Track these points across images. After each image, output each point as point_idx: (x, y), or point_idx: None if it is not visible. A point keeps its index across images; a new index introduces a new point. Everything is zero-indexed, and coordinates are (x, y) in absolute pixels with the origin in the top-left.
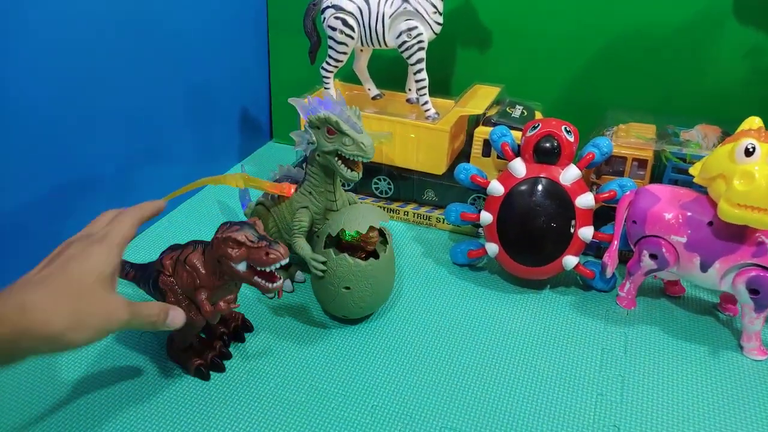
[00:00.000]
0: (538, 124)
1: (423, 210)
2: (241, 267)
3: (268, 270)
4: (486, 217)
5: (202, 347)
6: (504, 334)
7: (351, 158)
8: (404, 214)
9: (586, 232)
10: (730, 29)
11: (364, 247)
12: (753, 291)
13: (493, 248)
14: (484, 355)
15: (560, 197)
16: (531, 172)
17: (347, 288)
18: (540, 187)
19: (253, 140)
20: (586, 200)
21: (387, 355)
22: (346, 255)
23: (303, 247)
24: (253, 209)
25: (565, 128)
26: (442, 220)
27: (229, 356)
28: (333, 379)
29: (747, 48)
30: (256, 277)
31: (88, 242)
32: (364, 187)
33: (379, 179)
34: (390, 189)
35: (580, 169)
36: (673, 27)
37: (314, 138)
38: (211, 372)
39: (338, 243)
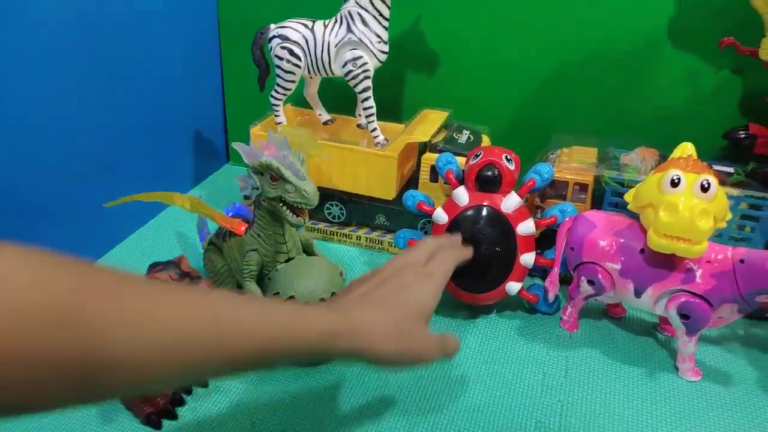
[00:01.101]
0: (480, 153)
1: (375, 234)
2: None
3: None
4: None
5: (154, 394)
6: (451, 362)
7: (294, 205)
8: (357, 239)
9: (528, 259)
10: (668, 55)
11: None
12: (683, 316)
13: None
14: (431, 385)
15: (502, 225)
16: (474, 200)
17: None
18: (482, 216)
19: (209, 163)
20: (527, 227)
21: (336, 395)
22: (295, 300)
23: (253, 292)
24: (206, 245)
25: (506, 156)
26: (394, 245)
27: (182, 403)
28: (285, 420)
29: (684, 73)
30: None
31: (422, 274)
32: (316, 213)
33: (332, 204)
34: (342, 214)
35: (521, 195)
36: (615, 53)
37: (258, 183)
38: (163, 420)
39: None
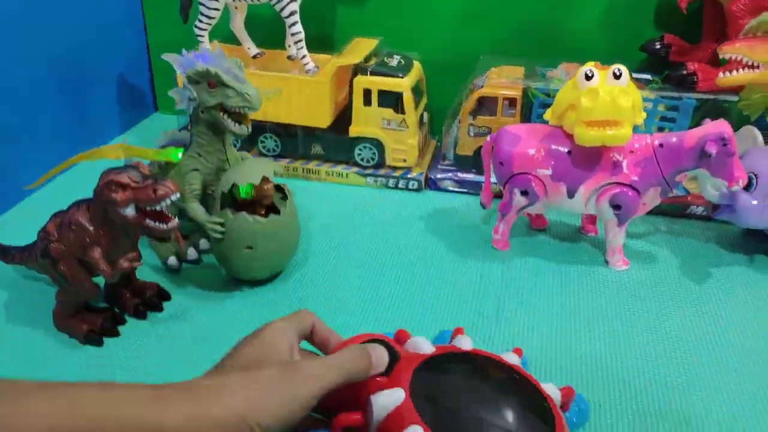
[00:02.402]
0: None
1: (312, 164)
2: (130, 211)
3: (158, 209)
4: None
5: (92, 313)
6: (400, 261)
7: (237, 111)
8: (293, 171)
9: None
10: None
11: (262, 201)
12: (615, 207)
13: None
14: (383, 287)
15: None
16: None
17: (249, 248)
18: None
19: (135, 113)
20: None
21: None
22: (244, 213)
23: (196, 210)
24: None
25: None
26: (332, 174)
27: (122, 321)
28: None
29: None
30: (147, 220)
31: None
32: (250, 146)
33: (265, 137)
34: (277, 146)
35: None
36: None
37: (195, 94)
38: (105, 338)
39: (234, 202)
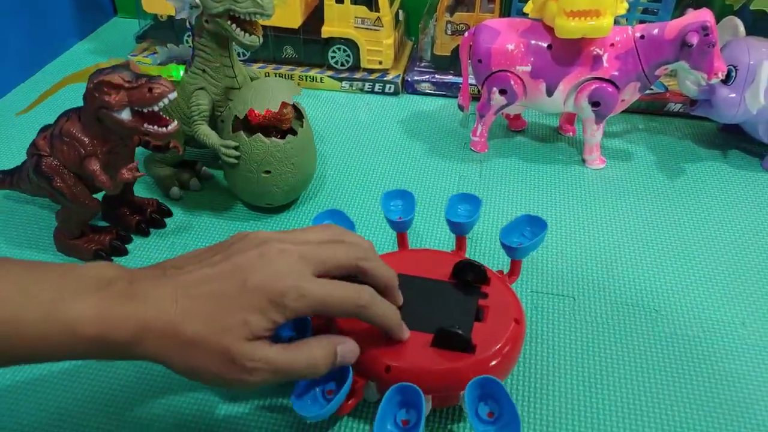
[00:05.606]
0: None
1: (284, 69)
2: (125, 115)
3: (156, 109)
4: None
5: (98, 233)
6: (379, 166)
7: (247, 18)
8: (265, 76)
9: None
10: None
11: (279, 126)
12: (594, 103)
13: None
14: (364, 193)
15: None
16: None
17: (267, 172)
18: None
19: (93, 17)
20: None
21: None
22: (260, 135)
23: (208, 134)
24: None
25: None
26: (305, 78)
27: (129, 240)
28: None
29: None
30: (145, 125)
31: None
32: None
33: None
34: (246, 51)
35: None
36: None
37: (198, 0)
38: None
39: (247, 125)
